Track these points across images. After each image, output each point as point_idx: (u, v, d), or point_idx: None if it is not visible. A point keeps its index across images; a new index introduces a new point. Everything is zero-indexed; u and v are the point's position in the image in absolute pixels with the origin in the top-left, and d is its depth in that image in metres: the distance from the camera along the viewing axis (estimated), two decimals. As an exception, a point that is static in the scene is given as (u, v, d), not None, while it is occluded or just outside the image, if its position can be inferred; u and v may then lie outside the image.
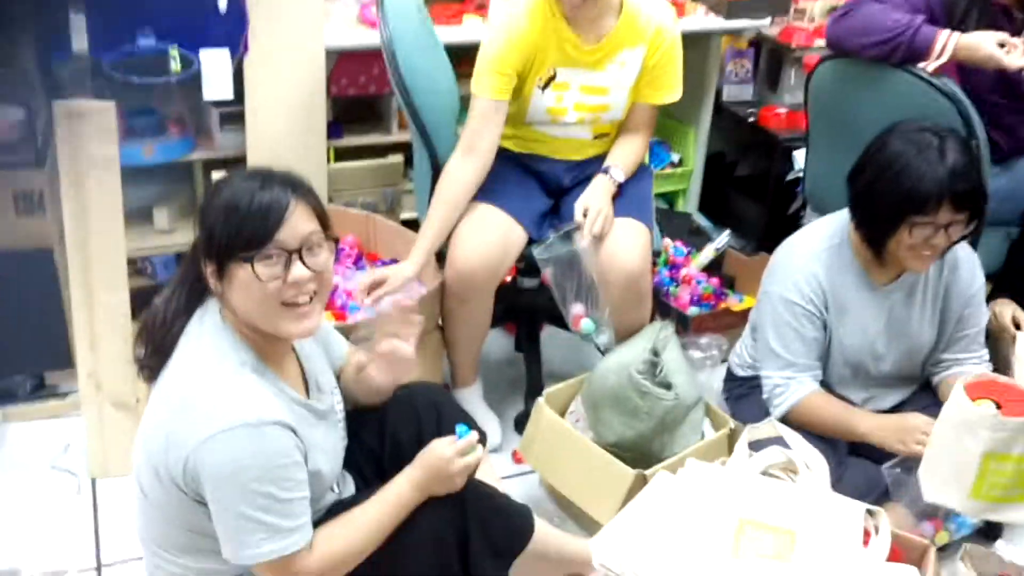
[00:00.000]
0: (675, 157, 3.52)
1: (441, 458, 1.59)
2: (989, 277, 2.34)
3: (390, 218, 2.87)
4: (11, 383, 2.59)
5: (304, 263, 1.45)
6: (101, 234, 2.21)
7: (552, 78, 2.30)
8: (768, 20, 3.30)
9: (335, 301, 2.46)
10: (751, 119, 3.42)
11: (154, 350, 1.53)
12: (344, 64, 2.83)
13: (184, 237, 2.74)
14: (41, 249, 2.42)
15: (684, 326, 2.85)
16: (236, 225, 1.42)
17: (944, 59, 2.22)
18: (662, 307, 2.94)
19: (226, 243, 1.43)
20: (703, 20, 3.21)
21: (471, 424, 1.70)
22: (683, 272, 3.09)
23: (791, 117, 3.32)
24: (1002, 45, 2.22)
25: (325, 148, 2.80)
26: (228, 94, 2.50)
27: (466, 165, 2.28)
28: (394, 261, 2.60)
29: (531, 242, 2.35)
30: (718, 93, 3.48)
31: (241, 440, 1.39)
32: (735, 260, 3.18)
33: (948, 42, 2.22)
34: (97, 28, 2.32)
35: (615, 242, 2.27)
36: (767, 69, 3.56)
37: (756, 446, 1.91)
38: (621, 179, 2.36)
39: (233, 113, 2.71)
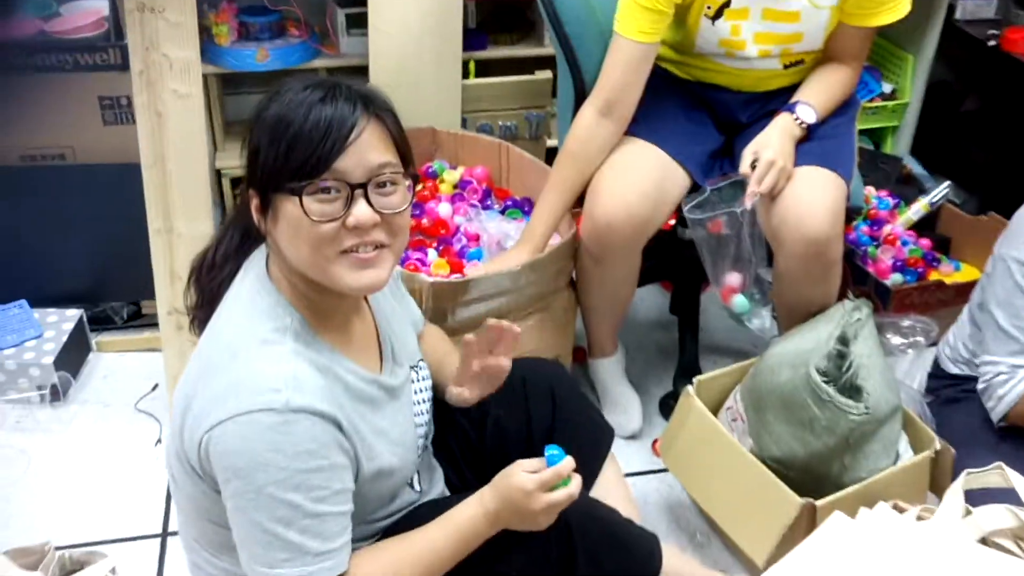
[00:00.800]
0: (886, 87, 3.03)
1: (520, 491, 1.23)
2: None
3: (534, 146, 2.52)
4: (108, 310, 2.44)
5: (370, 202, 1.14)
6: (179, 153, 1.93)
7: (725, 4, 1.81)
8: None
9: (453, 246, 2.07)
10: (991, 42, 2.90)
11: (203, 299, 1.31)
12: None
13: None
14: (130, 164, 2.17)
15: (883, 300, 2.42)
16: (285, 146, 1.12)
17: None
18: (856, 272, 2.51)
19: (272, 169, 1.14)
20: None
21: (578, 443, 1.35)
22: (886, 230, 2.65)
23: (1047, 41, 2.79)
24: None
25: (461, 59, 2.44)
26: (348, -12, 2.23)
27: (602, 126, 1.89)
28: (527, 200, 2.22)
29: (695, 188, 1.92)
30: (950, 9, 2.97)
31: (261, 429, 1.10)
32: (953, 218, 2.73)
33: None
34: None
35: (797, 197, 1.80)
36: (1018, -20, 3.02)
37: (975, 498, 1.42)
38: (811, 120, 1.87)
39: (362, 15, 2.39)
